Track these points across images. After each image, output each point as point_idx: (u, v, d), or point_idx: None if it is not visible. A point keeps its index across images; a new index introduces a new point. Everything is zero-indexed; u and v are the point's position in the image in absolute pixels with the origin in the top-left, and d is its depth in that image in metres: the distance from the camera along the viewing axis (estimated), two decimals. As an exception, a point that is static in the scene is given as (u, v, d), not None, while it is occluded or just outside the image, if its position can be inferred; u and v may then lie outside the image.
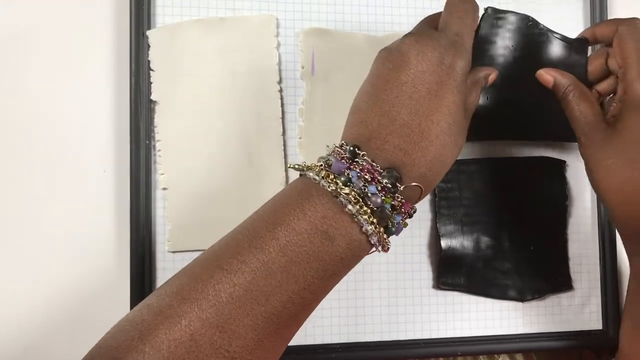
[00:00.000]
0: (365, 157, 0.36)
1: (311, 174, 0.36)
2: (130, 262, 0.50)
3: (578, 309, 0.57)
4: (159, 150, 0.51)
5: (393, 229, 0.36)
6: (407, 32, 0.41)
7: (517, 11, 0.55)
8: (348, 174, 0.35)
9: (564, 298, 0.57)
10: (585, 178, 0.56)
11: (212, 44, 0.52)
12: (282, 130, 0.53)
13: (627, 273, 0.57)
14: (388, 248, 0.37)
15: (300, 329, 0.52)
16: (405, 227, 0.38)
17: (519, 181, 0.56)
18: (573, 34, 0.57)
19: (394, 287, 0.54)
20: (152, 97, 0.51)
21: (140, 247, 0.50)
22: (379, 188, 0.35)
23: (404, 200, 0.36)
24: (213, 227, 0.52)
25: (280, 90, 0.53)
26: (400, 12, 0.55)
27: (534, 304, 0.56)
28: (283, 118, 0.53)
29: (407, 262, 0.55)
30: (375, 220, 0.35)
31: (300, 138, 0.53)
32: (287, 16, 0.54)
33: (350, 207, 0.34)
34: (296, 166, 0.38)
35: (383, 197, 0.35)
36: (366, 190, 0.35)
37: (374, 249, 0.36)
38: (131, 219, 0.50)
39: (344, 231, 0.35)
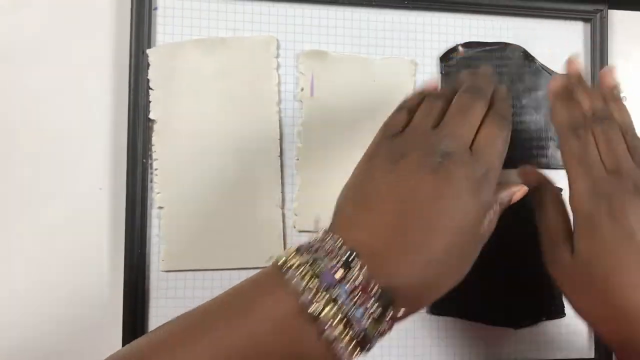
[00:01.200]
0: (363, 271, 0.30)
1: (293, 280, 0.31)
2: (124, 280, 0.50)
3: (571, 337, 0.57)
4: (156, 169, 0.51)
5: (365, 350, 0.31)
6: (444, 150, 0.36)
7: (513, 42, 0.56)
8: (337, 289, 0.30)
9: (556, 325, 0.57)
10: (581, 206, 0.57)
11: (212, 64, 0.52)
12: (279, 151, 0.53)
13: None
14: None
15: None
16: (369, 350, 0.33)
17: (514, 208, 0.56)
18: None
19: (387, 311, 0.54)
20: (151, 116, 0.51)
21: (134, 266, 0.50)
22: (365, 311, 0.30)
23: (390, 326, 0.32)
24: (208, 247, 0.52)
25: (279, 112, 0.53)
26: (401, 36, 0.56)
27: (526, 330, 0.56)
28: (281, 139, 0.53)
29: (401, 286, 0.55)
30: (354, 347, 0.30)
31: (298, 159, 0.53)
32: (288, 37, 0.54)
33: (329, 331, 0.29)
34: (276, 258, 0.33)
35: (370, 324, 0.30)
36: (352, 312, 0.29)
37: None
38: (126, 237, 0.50)
39: (316, 354, 0.30)
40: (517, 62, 0.57)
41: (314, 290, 0.30)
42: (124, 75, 0.51)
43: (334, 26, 0.55)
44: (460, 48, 0.56)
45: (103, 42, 0.52)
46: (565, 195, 0.56)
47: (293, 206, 0.53)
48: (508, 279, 0.56)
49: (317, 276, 0.30)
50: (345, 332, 0.29)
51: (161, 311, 0.51)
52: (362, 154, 0.53)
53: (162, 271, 0.51)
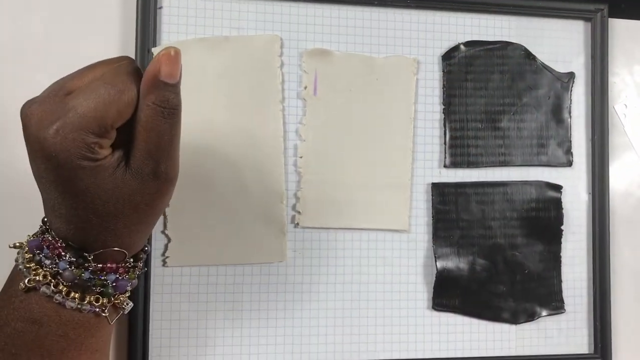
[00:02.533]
0: (52, 234, 0.35)
1: (18, 256, 0.36)
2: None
3: (570, 333, 0.58)
4: (161, 166, 0.51)
5: (110, 290, 0.36)
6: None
7: (513, 41, 0.57)
8: (39, 253, 0.35)
9: (556, 321, 0.58)
10: (581, 203, 0.57)
11: (216, 62, 0.52)
12: (283, 149, 0.53)
13: (619, 298, 0.58)
14: (123, 309, 0.38)
15: (296, 348, 0.53)
16: (133, 279, 0.38)
17: (515, 205, 0.57)
18: (575, 61, 0.59)
19: (389, 307, 0.55)
20: (156, 114, 0.51)
21: (139, 262, 0.51)
22: (69, 263, 0.35)
23: (103, 265, 0.35)
24: (211, 243, 0.52)
25: (282, 110, 0.54)
26: (404, 35, 0.56)
27: (526, 326, 0.57)
28: (284, 137, 0.54)
29: (402, 283, 0.55)
30: (76, 295, 0.35)
31: (301, 157, 0.54)
32: (291, 36, 0.54)
33: (44, 289, 0.34)
34: (16, 244, 0.37)
35: (74, 270, 0.34)
36: (57, 268, 0.34)
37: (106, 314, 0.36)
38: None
39: (50, 312, 0.35)
40: (518, 61, 0.57)
41: (28, 263, 0.35)
42: (130, 73, 0.51)
43: (337, 25, 0.55)
44: (461, 47, 0.56)
45: (109, 41, 0.52)
46: (566, 193, 0.57)
47: (295, 203, 0.54)
48: (508, 275, 0.56)
49: (29, 252, 0.35)
50: (60, 284, 0.34)
51: (165, 306, 0.52)
52: (365, 151, 0.54)
53: (166, 267, 0.52)
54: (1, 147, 0.51)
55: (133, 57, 0.51)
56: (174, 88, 0.33)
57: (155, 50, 0.51)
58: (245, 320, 0.53)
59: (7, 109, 0.51)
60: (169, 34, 0.52)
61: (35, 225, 0.38)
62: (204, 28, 0.53)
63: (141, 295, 0.51)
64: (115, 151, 0.34)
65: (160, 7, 0.52)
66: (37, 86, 0.51)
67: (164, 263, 0.52)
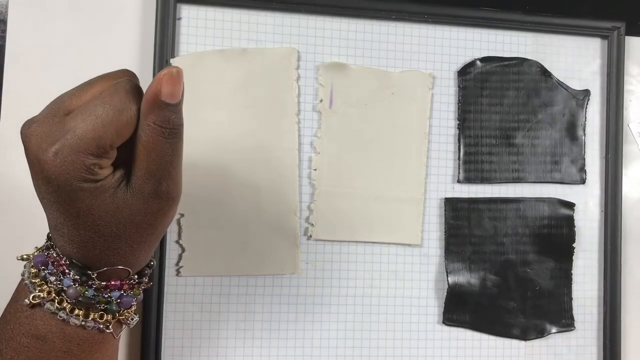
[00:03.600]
0: (56, 251, 0.35)
1: (24, 270, 0.36)
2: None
3: (580, 350, 0.58)
4: (176, 177, 0.52)
5: (114, 307, 0.36)
6: None
7: (529, 57, 0.57)
8: (44, 269, 0.35)
9: (565, 338, 0.58)
10: (593, 221, 0.57)
11: (233, 74, 0.53)
12: (297, 161, 0.54)
13: (630, 316, 0.58)
14: (128, 324, 0.38)
15: (307, 360, 0.53)
16: (138, 294, 0.38)
17: (528, 221, 0.57)
18: (591, 79, 0.59)
19: (400, 320, 0.55)
20: (172, 124, 0.51)
21: (154, 271, 0.51)
22: (74, 280, 0.35)
23: (107, 282, 0.35)
24: (224, 253, 0.53)
25: (298, 122, 0.54)
26: (420, 50, 0.56)
27: (536, 343, 0.57)
28: (299, 149, 0.54)
29: (413, 297, 0.56)
30: (80, 312, 0.35)
31: (315, 170, 0.54)
32: (308, 49, 0.54)
33: (48, 305, 0.34)
34: (24, 256, 0.37)
35: (78, 288, 0.34)
36: (61, 285, 0.34)
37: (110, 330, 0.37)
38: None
39: (54, 328, 0.35)
40: (534, 77, 0.57)
41: (33, 278, 0.35)
42: (148, 84, 0.51)
43: (354, 39, 0.55)
44: (477, 62, 0.57)
45: (127, 51, 0.53)
46: (578, 210, 0.57)
47: (309, 215, 0.54)
48: (518, 292, 0.57)
49: (34, 267, 0.35)
50: (64, 301, 0.35)
51: (178, 316, 0.52)
52: (379, 165, 0.54)
53: (180, 276, 0.52)
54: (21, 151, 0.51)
55: (151, 68, 0.51)
56: (175, 108, 0.33)
57: (173, 62, 0.51)
58: (257, 331, 0.53)
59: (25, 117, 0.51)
60: (187, 45, 0.53)
61: (39, 229, 0.38)
62: (222, 40, 0.53)
63: (154, 305, 0.51)
64: (116, 170, 0.33)
65: (179, 19, 0.52)
66: (52, 90, 0.51)
67: (178, 273, 0.52)
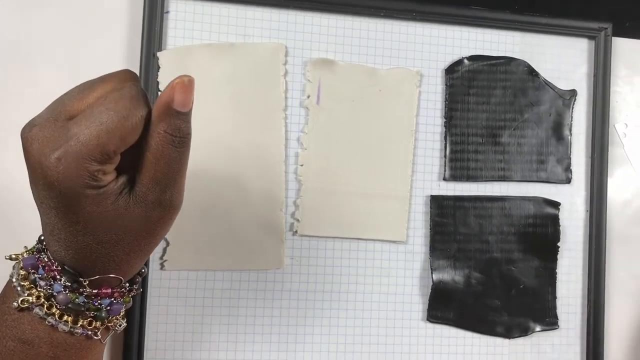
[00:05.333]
0: (48, 254, 0.34)
1: (13, 271, 0.35)
2: (127, 278, 0.51)
3: (563, 349, 0.58)
4: (162, 170, 0.52)
5: (104, 314, 0.35)
6: None
7: (516, 57, 0.57)
8: (34, 273, 0.34)
9: (549, 337, 0.58)
10: (578, 220, 0.58)
11: (221, 68, 0.53)
12: (284, 157, 0.54)
13: (613, 316, 0.58)
14: (116, 330, 0.37)
15: (290, 356, 0.53)
16: (128, 302, 0.37)
17: (513, 220, 0.57)
18: (578, 79, 0.59)
19: (384, 317, 0.55)
20: (159, 118, 0.51)
21: (137, 264, 0.51)
22: (64, 286, 0.34)
23: (98, 290, 0.35)
24: (209, 248, 0.52)
25: (285, 118, 0.54)
26: (407, 47, 0.56)
27: (520, 341, 0.57)
28: (285, 145, 0.54)
29: (398, 294, 0.56)
30: (69, 318, 0.34)
31: (302, 165, 0.54)
32: (296, 45, 0.55)
33: (37, 310, 0.33)
34: (12, 256, 0.36)
35: (68, 294, 0.34)
36: (52, 290, 0.34)
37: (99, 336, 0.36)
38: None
39: (42, 333, 0.34)
40: (521, 77, 0.58)
41: (22, 280, 0.34)
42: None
43: (342, 35, 0.55)
44: (465, 61, 0.57)
45: (114, 44, 0.53)
46: (563, 209, 0.57)
47: (295, 211, 0.54)
48: (503, 290, 0.57)
49: (24, 269, 0.34)
50: (53, 307, 0.34)
51: (162, 309, 0.52)
52: (365, 161, 0.55)
53: (164, 270, 0.52)
54: (10, 145, 0.51)
55: (138, 61, 0.51)
56: (186, 116, 0.32)
57: (160, 55, 0.51)
58: (241, 326, 0.53)
59: (14, 111, 0.51)
60: (175, 38, 0.53)
61: (33, 228, 0.38)
62: (209, 34, 0.53)
63: (137, 298, 0.51)
64: (120, 176, 0.33)
65: (167, 12, 0.52)
66: (43, 89, 0.51)
67: (162, 266, 0.52)
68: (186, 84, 0.32)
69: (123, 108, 0.31)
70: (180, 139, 0.32)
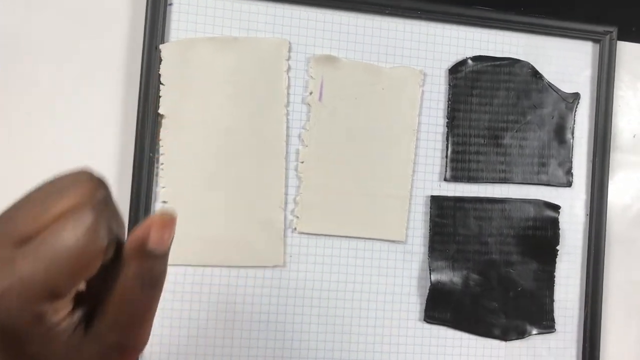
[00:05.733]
0: None
1: None
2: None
3: (559, 352, 0.58)
4: (162, 164, 0.51)
5: None
6: None
7: (520, 58, 0.57)
8: None
9: (546, 340, 0.58)
10: (578, 224, 0.58)
11: (223, 62, 0.52)
12: (285, 153, 0.53)
13: (610, 320, 0.58)
14: None
15: (286, 353, 0.53)
16: None
17: (513, 222, 0.57)
18: (582, 82, 0.59)
19: (381, 316, 0.55)
20: (160, 111, 0.51)
21: (134, 258, 0.50)
22: None
23: None
24: (210, 244, 0.52)
25: (287, 114, 0.53)
26: (411, 46, 0.56)
27: (516, 343, 0.57)
28: (286, 141, 0.53)
29: (396, 293, 0.55)
30: None
31: (302, 162, 0.54)
32: (300, 40, 0.54)
33: None
34: None
35: None
36: None
37: None
38: (129, 230, 0.51)
39: None
40: (524, 78, 0.57)
41: None
42: (136, 69, 0.51)
43: (346, 32, 0.55)
44: (469, 61, 0.56)
45: (117, 36, 0.52)
46: (563, 213, 0.57)
47: (294, 208, 0.54)
48: (501, 292, 0.57)
49: None
50: None
51: (160, 305, 0.52)
52: (366, 160, 0.54)
53: (162, 265, 0.52)
54: (8, 142, 0.51)
55: (140, 53, 0.51)
56: (162, 258, 0.28)
57: (163, 48, 0.51)
58: (237, 322, 0.53)
59: (17, 104, 0.51)
60: (178, 31, 0.52)
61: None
62: (212, 27, 0.53)
63: (134, 292, 0.50)
64: (76, 309, 0.27)
65: (171, 4, 0.52)
66: (42, 80, 0.51)
67: (160, 260, 0.52)
68: (167, 221, 0.27)
69: (78, 239, 0.26)
70: (151, 280, 0.28)
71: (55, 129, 0.51)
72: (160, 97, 0.51)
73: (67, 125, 0.51)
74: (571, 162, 0.58)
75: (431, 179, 0.56)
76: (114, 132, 0.52)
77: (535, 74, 0.58)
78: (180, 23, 0.52)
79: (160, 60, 0.51)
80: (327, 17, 0.55)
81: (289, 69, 0.54)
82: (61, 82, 0.51)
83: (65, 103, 0.51)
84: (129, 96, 0.52)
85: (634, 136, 0.61)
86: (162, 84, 0.51)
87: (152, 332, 0.51)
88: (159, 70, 0.51)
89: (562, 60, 0.59)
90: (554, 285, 0.58)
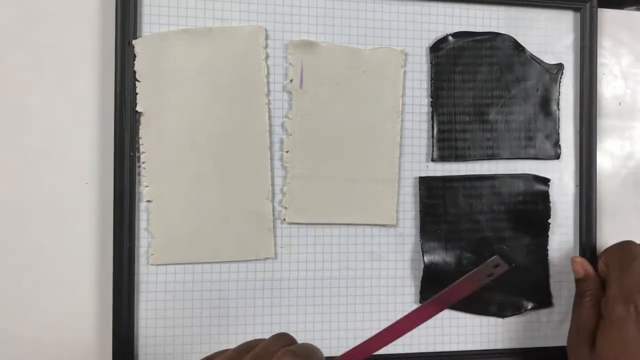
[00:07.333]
0: None
1: None
2: (113, 274, 0.50)
3: (556, 325, 0.58)
4: (144, 162, 0.50)
5: None
6: None
7: (501, 32, 0.56)
8: None
9: (542, 314, 0.58)
10: (568, 196, 0.57)
11: (199, 54, 0.51)
12: (268, 144, 0.52)
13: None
14: None
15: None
16: None
17: (503, 198, 0.57)
18: (564, 53, 0.58)
19: (376, 301, 0.55)
20: (138, 108, 0.50)
21: (123, 260, 0.50)
22: None
23: None
24: (197, 240, 0.51)
25: (268, 103, 0.52)
26: (391, 26, 0.55)
27: (513, 319, 0.57)
28: (270, 131, 0.52)
29: (390, 277, 0.55)
30: None
31: (287, 152, 0.53)
32: (277, 27, 0.53)
33: None
34: None
35: None
36: None
37: None
38: (115, 231, 0.50)
39: None
40: (507, 52, 0.57)
41: None
42: (110, 66, 0.50)
43: (323, 15, 0.54)
44: (450, 38, 0.56)
45: (88, 32, 0.51)
46: (553, 185, 0.57)
47: (282, 199, 0.53)
48: (496, 269, 0.56)
49: None
50: None
51: (150, 305, 0.51)
52: (352, 145, 0.53)
53: (152, 265, 0.51)
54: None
55: (113, 50, 0.49)
56: None
57: (136, 43, 0.49)
58: (232, 318, 0.52)
59: (-17, 103, 0.49)
60: (150, 25, 0.51)
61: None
62: (186, 19, 0.51)
63: (125, 294, 0.50)
64: None
65: (141, -3, 0.50)
66: (12, 80, 0.49)
67: (149, 261, 0.51)
68: None
69: None
70: None
71: (31, 134, 0.50)
72: (137, 94, 0.50)
73: (42, 127, 0.50)
74: (558, 134, 0.58)
75: (418, 160, 0.56)
76: (92, 133, 0.51)
77: (517, 47, 0.57)
78: (152, 17, 0.51)
79: (135, 56, 0.50)
80: (302, 2, 0.53)
81: (267, 57, 0.52)
82: (32, 85, 0.50)
83: (38, 107, 0.50)
84: (105, 95, 0.50)
85: (619, 104, 0.60)
86: (137, 80, 0.50)
87: (146, 334, 0.51)
88: (133, 67, 0.50)
89: (543, 31, 0.58)
90: (547, 259, 0.58)
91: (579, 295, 0.54)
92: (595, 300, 0.52)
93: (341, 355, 0.38)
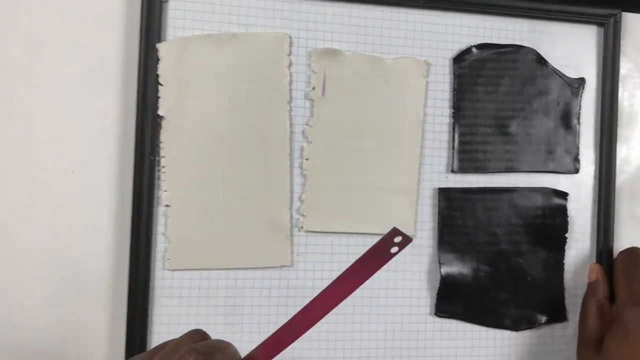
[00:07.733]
0: None
1: None
2: (129, 278, 0.49)
3: (570, 340, 0.58)
4: (164, 167, 0.50)
5: None
6: None
7: (525, 44, 0.56)
8: None
9: (557, 329, 0.57)
10: (586, 211, 0.57)
11: (222, 60, 0.51)
12: (289, 151, 0.52)
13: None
14: None
15: (296, 353, 0.52)
16: None
17: (521, 211, 0.56)
18: (587, 67, 0.58)
19: (392, 312, 0.54)
20: (159, 112, 0.49)
21: (139, 264, 0.49)
22: None
23: None
24: (214, 246, 0.51)
25: (290, 110, 0.52)
26: (414, 36, 0.55)
27: (527, 333, 0.57)
28: (290, 138, 0.52)
29: (406, 288, 0.55)
30: None
31: (307, 159, 0.52)
32: (300, 34, 0.53)
33: None
34: None
35: None
36: None
37: None
38: (132, 235, 0.49)
39: None
40: (529, 65, 0.56)
41: None
42: (133, 70, 0.49)
43: (347, 24, 0.53)
44: (473, 49, 0.55)
45: (112, 36, 0.50)
46: (571, 200, 0.56)
47: (300, 206, 0.53)
48: (511, 282, 0.56)
49: None
50: None
51: (165, 310, 0.51)
52: (372, 154, 0.53)
53: (167, 270, 0.51)
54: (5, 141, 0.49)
55: (137, 53, 0.49)
56: None
57: (160, 47, 0.49)
58: (246, 325, 0.52)
59: (13, 106, 0.49)
60: (175, 29, 0.50)
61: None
62: (210, 24, 0.51)
63: (140, 298, 0.49)
64: None
65: (166, 1, 0.50)
66: (37, 82, 0.49)
67: (164, 265, 0.50)
68: None
69: None
70: None
71: (52, 137, 0.50)
72: (159, 98, 0.49)
73: (64, 130, 0.50)
74: (578, 148, 0.58)
75: (438, 171, 0.55)
76: (113, 136, 0.50)
77: (540, 60, 0.57)
78: (177, 20, 0.50)
79: (158, 60, 0.49)
80: (327, 10, 0.53)
81: (290, 64, 0.52)
82: (56, 88, 0.50)
83: (62, 109, 0.50)
84: (127, 99, 0.50)
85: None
86: (160, 84, 0.49)
87: (159, 340, 0.50)
88: (157, 71, 0.49)
89: (566, 45, 0.58)
90: (563, 274, 0.57)
91: (584, 299, 0.55)
92: (600, 305, 0.53)
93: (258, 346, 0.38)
